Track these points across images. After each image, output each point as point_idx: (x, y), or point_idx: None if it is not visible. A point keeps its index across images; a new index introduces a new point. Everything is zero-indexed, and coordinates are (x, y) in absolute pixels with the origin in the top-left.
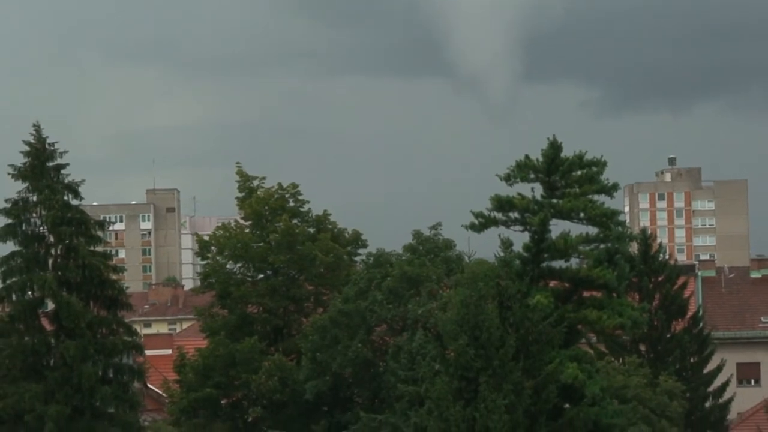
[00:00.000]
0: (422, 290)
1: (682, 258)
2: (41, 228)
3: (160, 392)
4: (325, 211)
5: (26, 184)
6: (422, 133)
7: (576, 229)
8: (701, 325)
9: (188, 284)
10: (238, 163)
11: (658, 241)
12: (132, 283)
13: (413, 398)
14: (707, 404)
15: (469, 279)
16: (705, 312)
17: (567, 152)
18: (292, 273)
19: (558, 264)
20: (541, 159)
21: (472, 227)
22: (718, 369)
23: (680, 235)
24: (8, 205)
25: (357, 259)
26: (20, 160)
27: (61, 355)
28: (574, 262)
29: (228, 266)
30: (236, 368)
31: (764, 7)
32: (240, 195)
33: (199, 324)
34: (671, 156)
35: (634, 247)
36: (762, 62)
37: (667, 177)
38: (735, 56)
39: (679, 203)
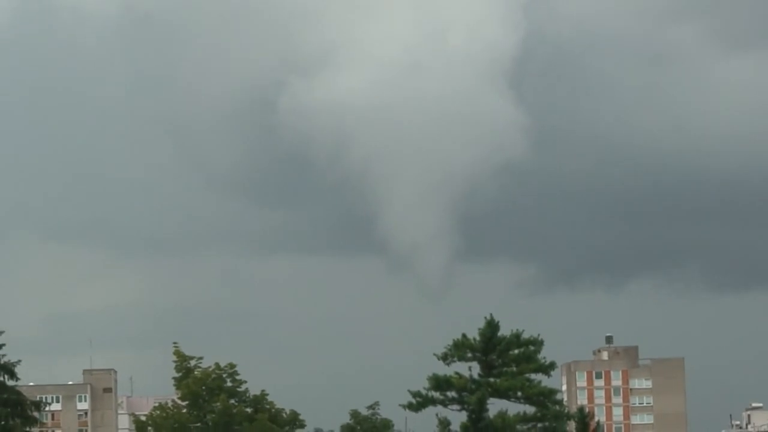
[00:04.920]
0: None
1: None
2: None
3: None
4: (262, 391)
5: None
6: (358, 312)
7: (514, 407)
8: None
9: None
10: (175, 343)
11: (596, 419)
12: None
13: None
14: None
15: None
16: None
17: (504, 331)
18: None
19: None
20: (478, 338)
21: (410, 407)
22: None
23: (618, 413)
24: None
25: None
26: None
27: None
28: None
29: None
30: None
31: (696, 186)
32: (177, 375)
33: None
34: (608, 334)
35: (571, 426)
36: (696, 240)
37: (605, 355)
38: (668, 233)
39: (617, 381)
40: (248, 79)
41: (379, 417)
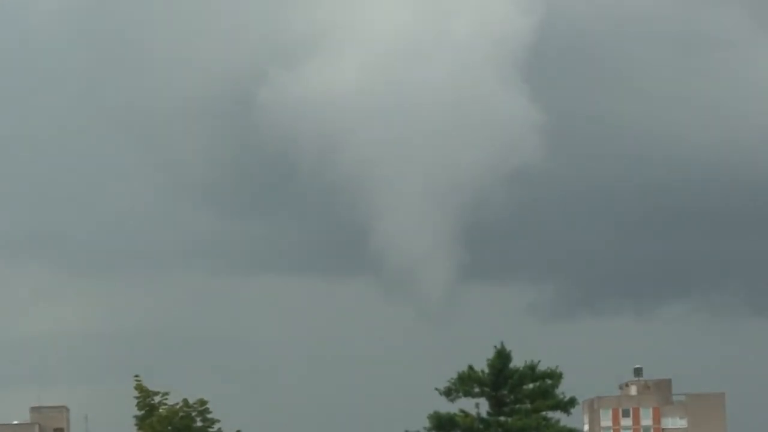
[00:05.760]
0: None
1: None
2: None
3: None
4: (238, 431)
5: None
6: (347, 339)
7: None
8: None
9: None
10: (136, 376)
11: None
12: None
13: None
14: None
15: None
16: None
17: (517, 362)
18: None
19: None
20: (486, 370)
21: None
22: None
23: None
24: None
25: None
26: None
27: None
28: None
29: None
30: None
31: (740, 191)
32: (139, 413)
33: None
34: (637, 366)
35: None
36: (739, 255)
37: (633, 390)
38: (707, 248)
39: (647, 420)
40: (223, 68)
41: None
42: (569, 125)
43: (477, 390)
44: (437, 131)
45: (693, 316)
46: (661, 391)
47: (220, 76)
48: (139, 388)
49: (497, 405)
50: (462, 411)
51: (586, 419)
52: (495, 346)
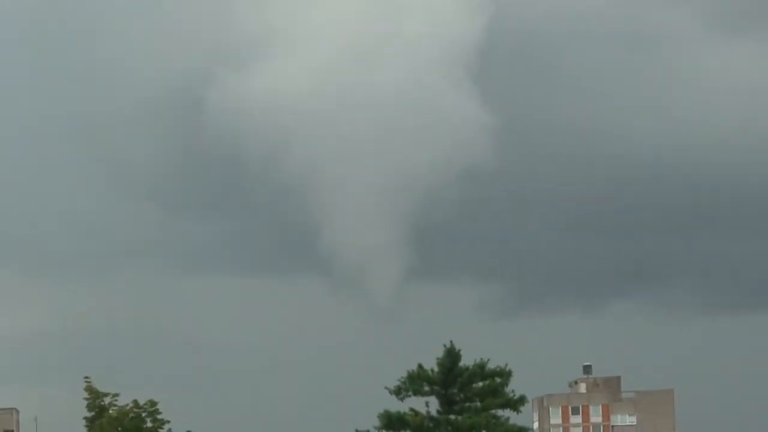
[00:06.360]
0: None
1: None
2: None
3: None
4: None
5: None
6: (296, 339)
7: None
8: None
9: None
10: (86, 377)
11: None
12: None
13: None
14: None
15: None
16: None
17: (466, 360)
18: None
19: None
20: (436, 369)
21: None
22: None
23: None
24: None
25: None
26: None
27: None
28: None
29: None
30: None
31: (689, 190)
32: (89, 414)
33: None
34: (586, 363)
35: None
36: (687, 253)
37: (582, 387)
38: (655, 246)
39: (596, 418)
40: (170, 69)
41: None
42: (519, 125)
43: (427, 389)
44: (387, 131)
45: (642, 314)
46: (610, 388)
47: (169, 76)
48: (89, 389)
49: (447, 403)
50: (412, 410)
51: (535, 417)
52: (444, 345)
